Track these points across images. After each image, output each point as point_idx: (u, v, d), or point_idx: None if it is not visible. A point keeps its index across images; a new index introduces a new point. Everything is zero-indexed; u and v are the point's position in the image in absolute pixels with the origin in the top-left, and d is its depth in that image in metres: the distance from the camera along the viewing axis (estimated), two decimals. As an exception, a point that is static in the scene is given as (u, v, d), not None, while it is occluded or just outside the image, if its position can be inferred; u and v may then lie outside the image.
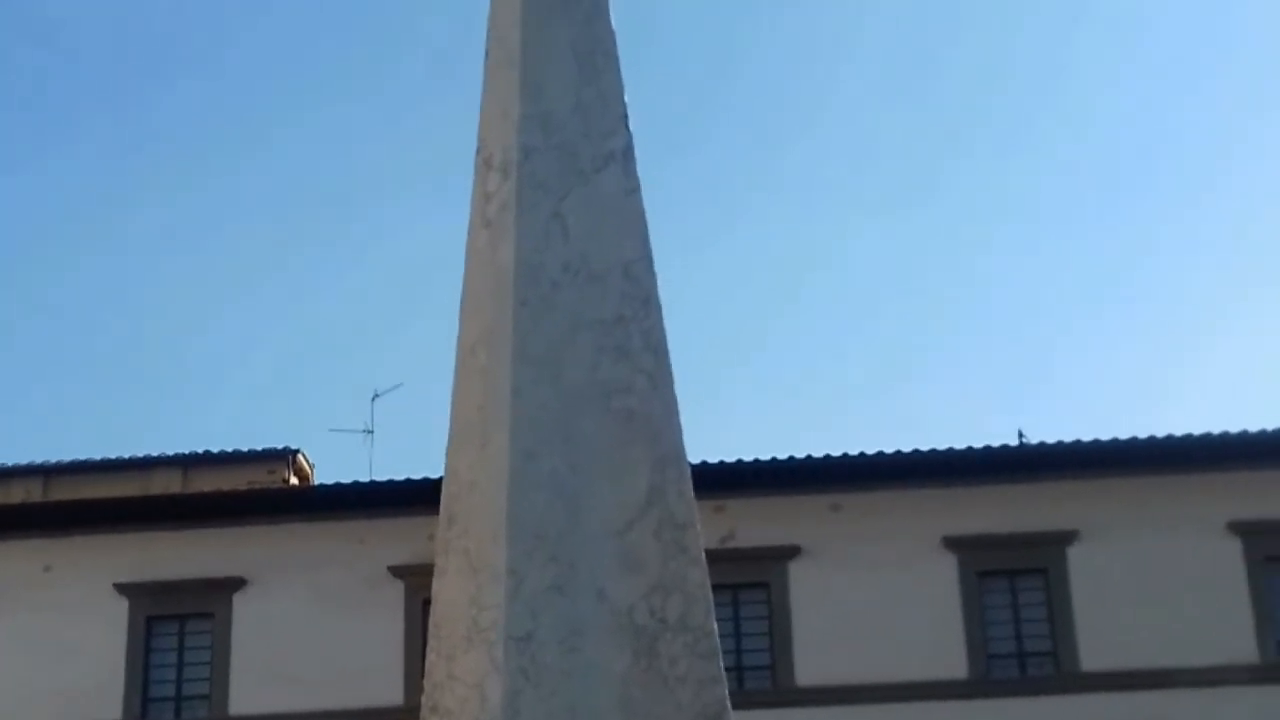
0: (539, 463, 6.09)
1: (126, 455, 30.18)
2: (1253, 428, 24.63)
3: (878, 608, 24.09)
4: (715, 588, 6.25)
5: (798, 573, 24.61)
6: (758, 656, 24.31)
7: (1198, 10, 50.93)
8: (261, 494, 27.46)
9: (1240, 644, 23.69)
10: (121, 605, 25.22)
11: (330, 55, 53.21)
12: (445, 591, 6.16)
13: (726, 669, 6.16)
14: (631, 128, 6.71)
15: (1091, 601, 24.08)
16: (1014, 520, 24.47)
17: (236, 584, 25.13)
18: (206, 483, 28.78)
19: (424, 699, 6.10)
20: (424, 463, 39.43)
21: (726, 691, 6.07)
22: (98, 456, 30.16)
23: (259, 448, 30.05)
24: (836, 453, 25.05)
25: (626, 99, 6.75)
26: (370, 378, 47.81)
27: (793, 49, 51.79)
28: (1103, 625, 23.90)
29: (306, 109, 52.26)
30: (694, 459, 6.40)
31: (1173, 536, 24.22)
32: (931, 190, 49.76)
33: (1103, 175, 50.16)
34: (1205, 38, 50.43)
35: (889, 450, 25.01)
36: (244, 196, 50.15)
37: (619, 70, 6.79)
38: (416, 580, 23.63)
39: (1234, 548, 24.27)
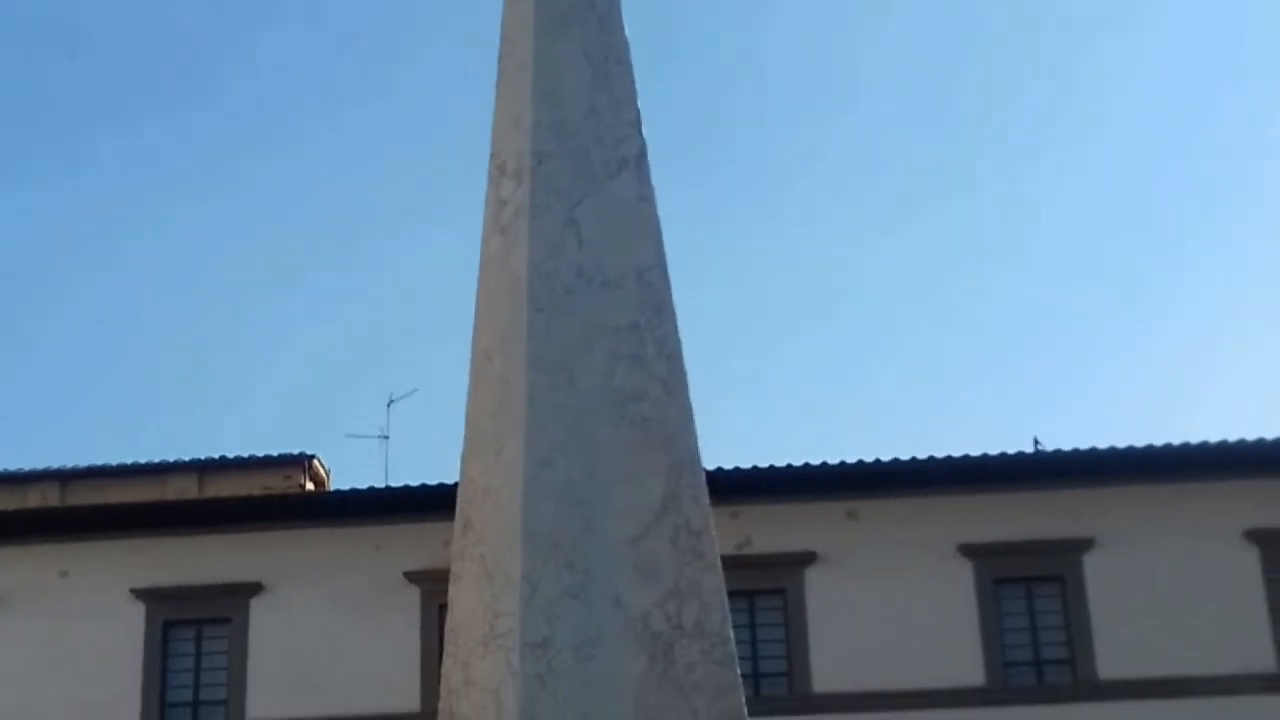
0: (554, 469, 6.09)
1: (143, 461, 30.24)
2: (1270, 436, 24.54)
3: (894, 615, 24.04)
4: (731, 594, 6.24)
5: (814, 580, 24.57)
6: (774, 663, 24.27)
7: (1218, 13, 50.84)
8: (278, 500, 27.46)
9: (1257, 652, 23.61)
10: (139, 610, 25.25)
11: (345, 65, 53.34)
12: (461, 598, 6.16)
13: (743, 676, 6.15)
14: (645, 134, 6.71)
15: (1108, 609, 24.02)
16: (1030, 528, 24.41)
17: (253, 589, 25.15)
18: (223, 488, 28.79)
19: (441, 704, 6.10)
20: (439, 468, 39.47)
21: (743, 698, 6.06)
22: (114, 462, 30.22)
23: (275, 453, 30.07)
24: (853, 460, 24.99)
25: (640, 105, 6.76)
26: (386, 384, 47.91)
27: (811, 54, 51.79)
28: (1119, 633, 23.83)
29: (322, 118, 52.40)
30: (709, 465, 6.39)
31: (1189, 544, 24.14)
32: (950, 200, 49.71)
33: (1124, 183, 50.10)
34: (1226, 41, 50.36)
35: (905, 457, 24.96)
36: (261, 206, 50.26)
37: (632, 77, 6.80)
38: (432, 586, 23.62)
39: (1251, 556, 24.19)
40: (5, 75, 51.61)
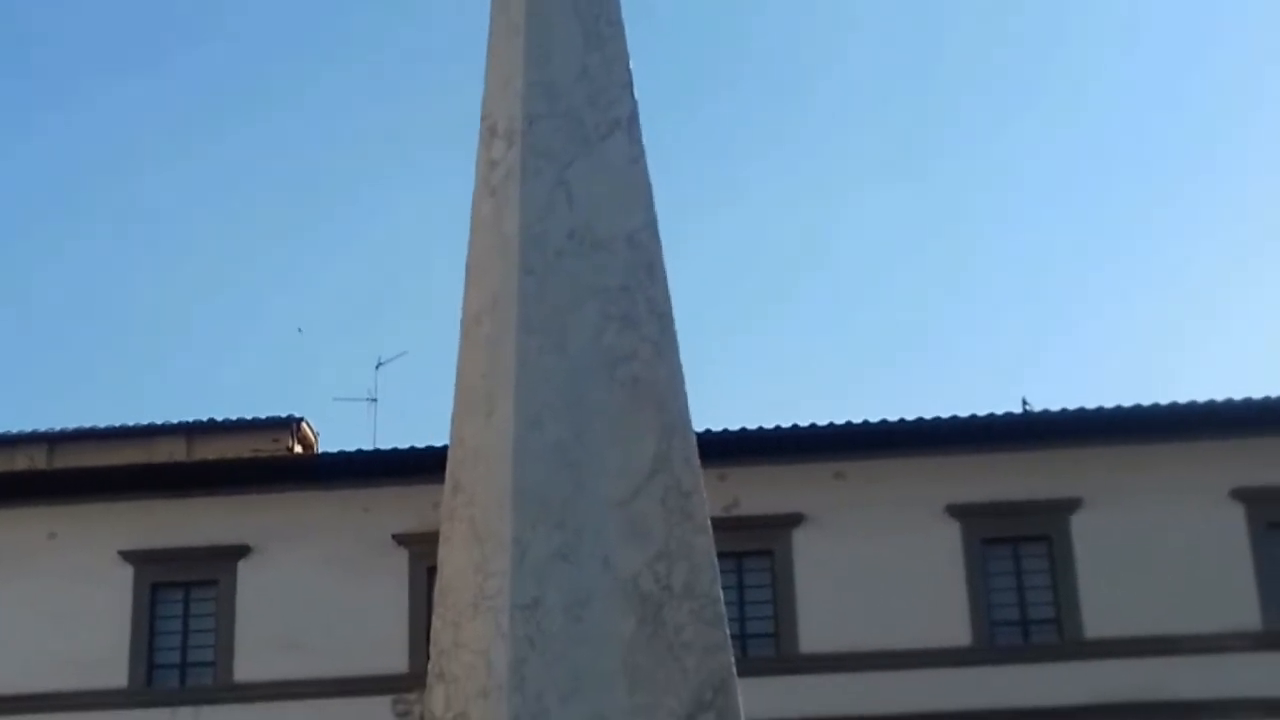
0: (544, 431, 6.10)
1: (131, 423, 30.22)
2: (1257, 395, 24.65)
3: (881, 575, 24.13)
4: (719, 556, 6.25)
5: (801, 541, 24.64)
6: (761, 624, 24.36)
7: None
8: (266, 462, 27.47)
9: (1243, 611, 23.72)
10: (126, 572, 25.28)
11: (332, 22, 53.13)
12: (451, 559, 6.17)
13: (730, 636, 6.17)
14: (636, 95, 6.70)
15: (1095, 569, 24.12)
16: (1017, 488, 24.49)
17: (241, 552, 25.19)
18: (211, 451, 28.80)
19: (430, 666, 6.12)
20: (428, 431, 39.56)
21: (732, 658, 6.09)
22: (102, 424, 30.20)
23: (263, 416, 30.07)
24: (840, 421, 25.07)
25: (631, 66, 6.74)
26: (374, 346, 47.95)
27: (798, 12, 51.66)
28: (1106, 592, 23.93)
29: (310, 76, 52.23)
30: (698, 427, 6.40)
31: (1176, 504, 24.24)
32: (935, 158, 49.69)
33: (1108, 141, 50.09)
34: (1208, 11, 50.27)
35: (893, 418, 25.03)
36: (248, 164, 50.13)
37: (624, 38, 6.78)
38: (421, 548, 23.67)
39: (1237, 514, 24.28)
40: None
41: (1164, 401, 24.81)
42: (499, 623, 5.84)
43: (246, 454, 28.18)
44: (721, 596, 6.14)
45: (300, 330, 48.42)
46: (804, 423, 25.07)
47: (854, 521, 24.53)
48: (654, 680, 5.89)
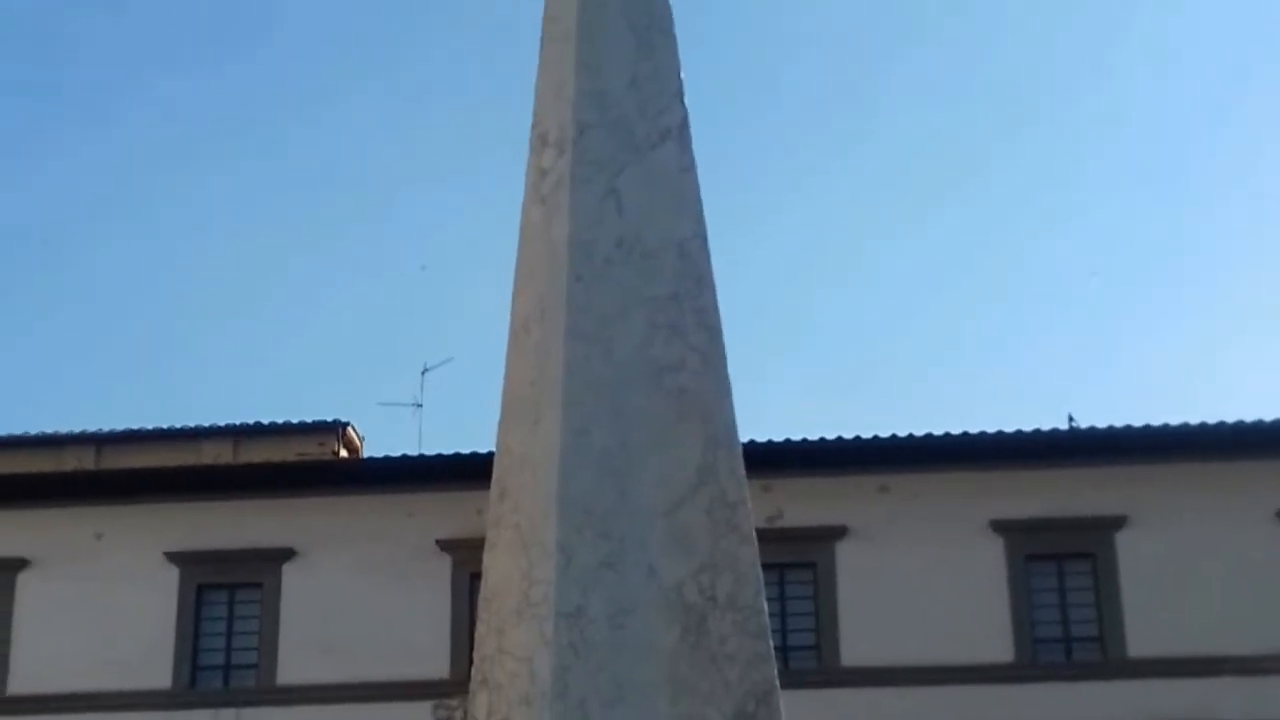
0: (590, 439, 6.10)
1: (178, 425, 30.40)
2: (1305, 415, 24.43)
3: (924, 590, 24.04)
4: (761, 567, 6.25)
5: (844, 553, 24.58)
6: (803, 637, 24.30)
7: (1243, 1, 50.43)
8: (311, 466, 27.59)
9: (1289, 632, 23.52)
10: (172, 574, 25.40)
11: (387, 29, 53.32)
12: (496, 566, 6.18)
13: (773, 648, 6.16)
14: (687, 104, 6.70)
15: (1139, 587, 23.97)
16: (1062, 504, 24.37)
17: (286, 555, 25.27)
18: (256, 454, 28.93)
19: (474, 671, 6.13)
20: (472, 437, 39.62)
21: (775, 671, 6.08)
22: (149, 426, 30.39)
23: (309, 420, 30.21)
24: (885, 434, 25.00)
25: (683, 75, 6.74)
26: (420, 352, 48.07)
27: (852, 26, 51.60)
28: (1150, 611, 23.78)
29: (366, 81, 52.40)
30: (743, 438, 6.39)
31: (1222, 523, 24.07)
32: (985, 174, 49.52)
33: (1156, 157, 49.83)
34: (1252, 25, 49.95)
35: (938, 432, 24.94)
36: (298, 168, 50.33)
37: (675, 46, 6.78)
38: (464, 554, 23.70)
39: (1284, 536, 24.09)
40: (38, 31, 51.74)
41: (1211, 420, 24.65)
42: (543, 630, 5.84)
43: (292, 457, 28.31)
44: (765, 608, 6.13)
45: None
46: (849, 435, 25.03)
47: (898, 535, 24.45)
48: (697, 691, 5.89)
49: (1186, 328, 49.90)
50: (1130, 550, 24.19)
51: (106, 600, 25.04)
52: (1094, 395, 49.41)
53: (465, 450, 24.43)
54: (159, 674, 24.94)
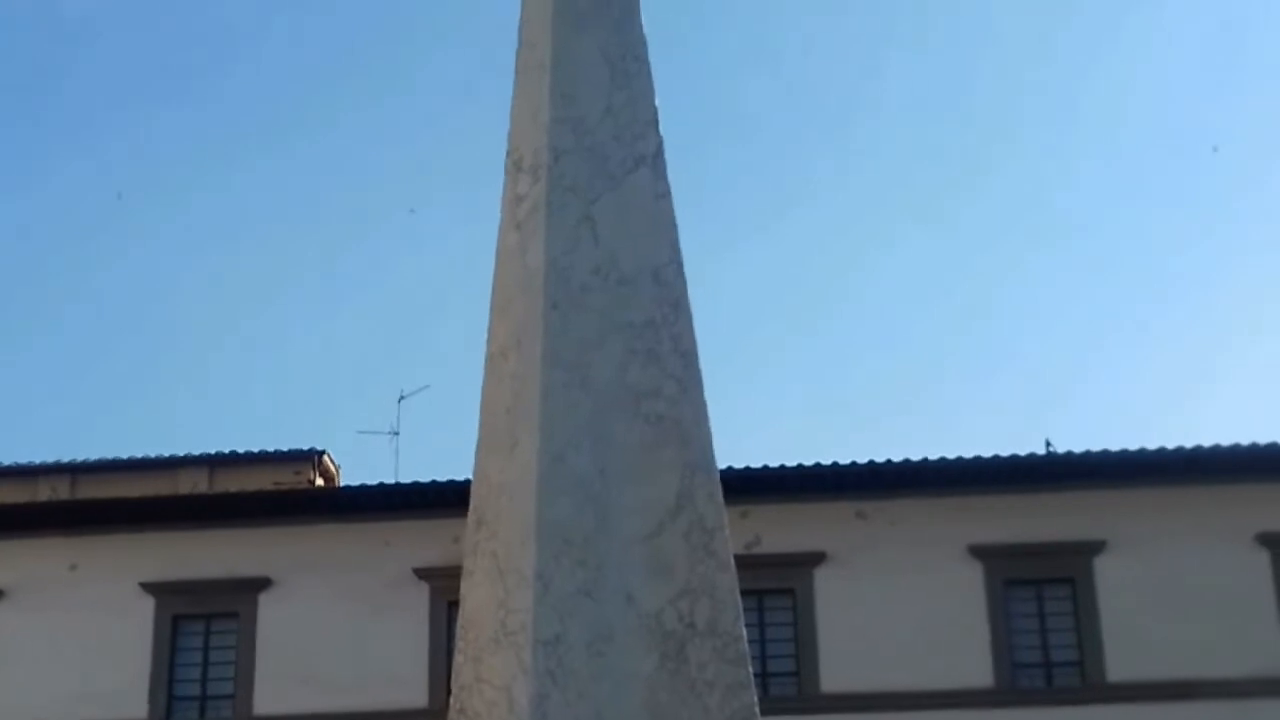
0: (568, 466, 6.08)
1: (153, 455, 30.29)
2: (1282, 439, 24.50)
3: (903, 616, 24.04)
4: (740, 594, 6.22)
5: (823, 580, 24.57)
6: (783, 663, 24.28)
7: (1227, 18, 50.73)
8: (287, 495, 27.51)
9: (1268, 656, 23.57)
10: (147, 604, 25.29)
11: (360, 58, 53.37)
12: (474, 594, 6.15)
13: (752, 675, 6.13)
14: (662, 131, 6.70)
15: (1118, 611, 24.00)
16: (1041, 529, 24.40)
17: (262, 584, 25.18)
18: (232, 483, 28.84)
19: (451, 700, 6.10)
20: (450, 465, 39.47)
21: (755, 697, 6.05)
22: (124, 455, 30.28)
23: (285, 448, 30.12)
24: (863, 460, 25.02)
25: (657, 103, 6.75)
26: (397, 380, 48.00)
27: (827, 51, 51.75)
28: (1129, 635, 23.81)
29: (337, 111, 52.41)
30: (720, 464, 6.37)
31: (1200, 547, 24.12)
32: (961, 201, 49.65)
33: (1133, 184, 50.03)
34: (1235, 45, 50.24)
35: (916, 458, 24.97)
36: (272, 198, 50.32)
37: (650, 74, 6.78)
38: (442, 582, 23.64)
39: (1262, 559, 24.17)
40: (14, 62, 51.67)
41: (1189, 445, 24.75)
42: (521, 658, 5.81)
43: (268, 486, 28.23)
44: (744, 635, 6.10)
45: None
46: (827, 461, 25.06)
47: (876, 561, 24.45)
48: (677, 718, 5.86)
49: (1164, 352, 50.09)
50: (1109, 575, 24.23)
51: (82, 631, 24.93)
52: (1071, 420, 49.55)
53: (442, 478, 24.45)
54: (135, 705, 24.82)
